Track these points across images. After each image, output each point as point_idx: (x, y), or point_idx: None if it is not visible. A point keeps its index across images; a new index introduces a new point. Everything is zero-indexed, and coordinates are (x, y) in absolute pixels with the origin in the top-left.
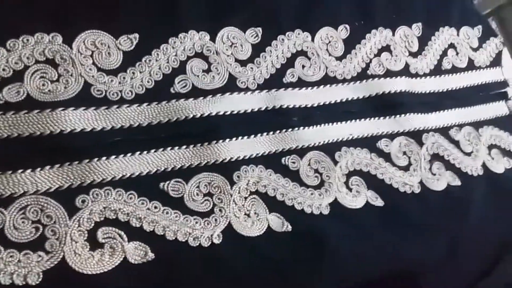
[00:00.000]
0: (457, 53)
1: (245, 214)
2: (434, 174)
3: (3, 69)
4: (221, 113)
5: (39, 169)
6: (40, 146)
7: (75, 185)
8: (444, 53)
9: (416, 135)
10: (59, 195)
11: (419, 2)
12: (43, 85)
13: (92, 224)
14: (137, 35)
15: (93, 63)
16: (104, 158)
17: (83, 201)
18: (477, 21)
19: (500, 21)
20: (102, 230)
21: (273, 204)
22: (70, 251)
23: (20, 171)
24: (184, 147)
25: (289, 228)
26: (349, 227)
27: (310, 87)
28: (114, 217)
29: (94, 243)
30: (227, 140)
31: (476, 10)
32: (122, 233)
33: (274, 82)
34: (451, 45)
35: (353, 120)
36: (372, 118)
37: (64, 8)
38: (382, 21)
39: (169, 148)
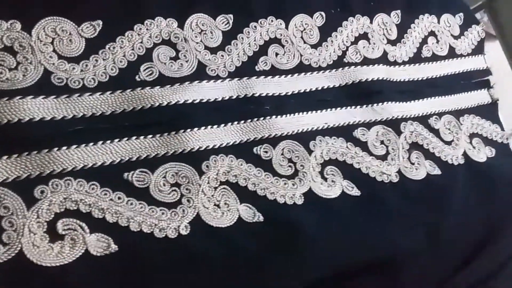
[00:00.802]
0: (437, 41)
1: (215, 204)
2: (413, 163)
3: None
4: (189, 101)
5: None
6: None
7: (33, 175)
8: (424, 41)
9: (394, 124)
10: (17, 185)
11: None
12: (1, 73)
13: (52, 216)
14: (100, 22)
15: (54, 51)
16: (64, 147)
17: (42, 192)
18: (458, 8)
19: (492, 13)
20: (63, 221)
21: (244, 194)
22: (28, 243)
23: None
24: (150, 136)
25: (261, 218)
26: (324, 217)
27: (283, 75)
28: (75, 208)
29: (53, 235)
30: (196, 129)
31: None
32: (84, 224)
33: (246, 70)
34: (432, 33)
35: (329, 109)
36: (348, 107)
37: None
38: (359, 8)
39: (134, 137)
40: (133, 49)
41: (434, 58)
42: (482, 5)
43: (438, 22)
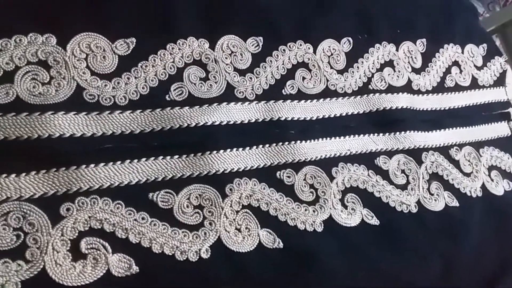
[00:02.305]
0: (460, 71)
1: (236, 228)
2: (432, 194)
3: None
4: (217, 123)
5: (23, 174)
6: (27, 150)
7: (60, 192)
8: (448, 71)
9: (416, 153)
10: (43, 202)
11: (424, 17)
12: (34, 87)
13: (76, 234)
14: (134, 40)
15: (87, 67)
16: (92, 165)
17: (67, 209)
18: (482, 39)
19: (504, 39)
20: (86, 240)
21: (266, 219)
22: (51, 261)
23: (4, 175)
24: (177, 156)
25: (281, 244)
26: (343, 246)
27: (309, 100)
28: (99, 227)
29: (76, 254)
30: (221, 151)
31: (481, 28)
32: (107, 244)
33: (273, 93)
34: (455, 63)
35: (352, 135)
36: (371, 134)
37: (60, 9)
38: (386, 35)
39: (160, 157)
40: (164, 68)
41: (457, 88)
42: (495, 30)
43: (462, 52)
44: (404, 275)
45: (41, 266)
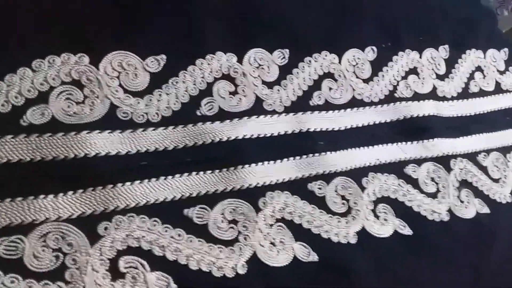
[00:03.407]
0: (484, 76)
1: (271, 243)
2: (463, 202)
3: (28, 90)
4: (248, 136)
5: (61, 194)
6: (63, 170)
7: (98, 211)
8: (471, 76)
9: (444, 161)
10: (81, 222)
11: (445, 24)
12: (68, 107)
13: (114, 253)
14: (164, 56)
15: (120, 85)
16: (128, 183)
17: (105, 228)
18: (503, 43)
19: None
20: (124, 259)
21: (299, 232)
22: (91, 281)
23: (42, 196)
24: (209, 171)
25: (316, 258)
26: (377, 258)
27: (337, 110)
28: (137, 245)
29: (115, 273)
30: (253, 164)
31: (501, 33)
32: (145, 262)
33: (301, 105)
34: (478, 68)
35: (380, 145)
36: (399, 143)
37: (91, 28)
38: (409, 43)
39: (194, 172)
40: (194, 84)
41: (481, 93)
42: (506, 33)
43: (484, 57)
44: (437, 285)
45: (81, 287)
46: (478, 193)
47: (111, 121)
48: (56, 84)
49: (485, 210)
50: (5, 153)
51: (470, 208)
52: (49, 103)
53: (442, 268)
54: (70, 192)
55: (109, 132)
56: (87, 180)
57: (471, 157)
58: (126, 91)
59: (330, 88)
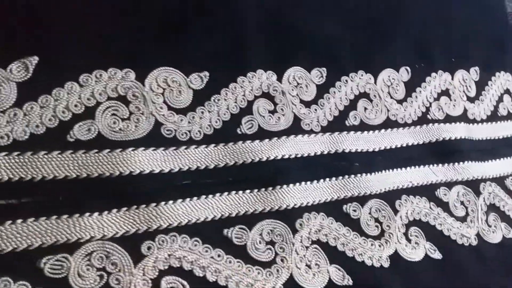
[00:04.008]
0: None
1: (306, 265)
2: (490, 226)
3: (75, 105)
4: (286, 156)
5: (106, 212)
6: (108, 187)
7: (141, 230)
8: (500, 99)
9: (474, 184)
10: (125, 241)
11: (476, 45)
12: (114, 123)
13: (157, 273)
14: (207, 73)
15: (164, 102)
16: (171, 202)
17: (149, 248)
18: None
19: None
20: (166, 279)
21: (334, 254)
22: None
23: (87, 214)
24: (249, 191)
25: (350, 281)
26: (408, 281)
27: (371, 131)
28: (178, 265)
29: None
30: (291, 185)
31: None
32: (185, 283)
33: (337, 125)
34: (507, 91)
35: (413, 167)
36: (431, 165)
37: (137, 44)
38: (441, 64)
39: (233, 192)
40: (236, 102)
41: (510, 116)
42: None
43: None
44: None
45: None
46: (505, 218)
47: (155, 138)
48: (103, 99)
49: (511, 234)
50: (52, 169)
51: (497, 233)
52: (95, 119)
53: None
54: (115, 210)
55: (153, 150)
56: (131, 198)
57: (499, 181)
58: (170, 108)
59: (366, 108)
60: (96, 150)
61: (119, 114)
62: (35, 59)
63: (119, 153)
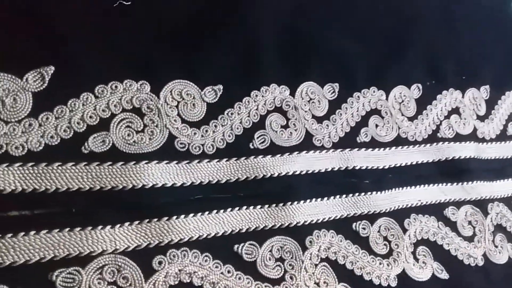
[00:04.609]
0: None
1: (315, 283)
2: (497, 246)
3: (90, 117)
4: (297, 172)
5: (118, 225)
6: (121, 200)
7: (153, 244)
8: (510, 118)
9: (482, 204)
10: (137, 255)
11: (487, 64)
12: (129, 135)
13: None
14: (221, 87)
15: (178, 114)
16: (182, 216)
17: (160, 263)
18: None
19: None
20: None
21: (343, 273)
22: None
23: (100, 227)
24: (259, 207)
25: None
26: None
27: (382, 148)
28: (188, 280)
29: None
30: (302, 202)
31: None
32: None
33: (348, 141)
34: None
35: (422, 185)
36: (440, 184)
37: (152, 56)
38: (452, 82)
39: (244, 207)
40: (249, 116)
41: None
42: None
43: None
44: None
45: None
46: (511, 238)
47: (169, 151)
48: (118, 111)
49: None
50: (66, 181)
51: (504, 253)
52: (110, 131)
53: None
54: (127, 223)
55: (166, 163)
56: (144, 212)
57: (507, 201)
58: (184, 121)
59: (377, 125)
60: (110, 163)
61: (134, 127)
62: (51, 69)
63: (132, 166)
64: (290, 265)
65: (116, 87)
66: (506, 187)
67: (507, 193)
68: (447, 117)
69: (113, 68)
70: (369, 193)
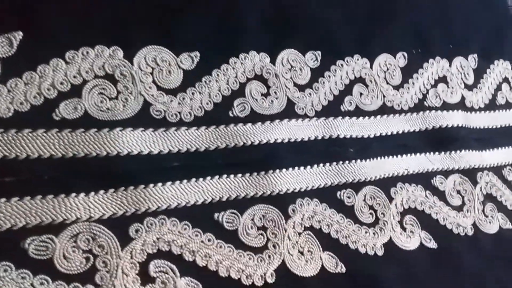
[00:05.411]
0: (510, 88)
1: (299, 251)
2: (487, 216)
3: (61, 83)
4: (279, 140)
5: (93, 193)
6: (95, 168)
7: (129, 212)
8: (499, 87)
9: (471, 174)
10: (113, 223)
11: (475, 32)
12: (102, 102)
13: (145, 256)
14: (198, 53)
15: (153, 81)
16: (160, 184)
17: (136, 231)
18: None
19: None
20: (155, 263)
21: (327, 241)
22: (120, 285)
23: (73, 195)
24: (240, 175)
25: (343, 269)
26: (403, 270)
27: (367, 117)
28: (167, 249)
29: (145, 277)
30: (284, 170)
31: None
32: (174, 267)
33: (332, 109)
34: (505, 79)
35: (409, 154)
36: (428, 153)
37: (126, 22)
38: (439, 50)
39: (224, 175)
40: (227, 84)
41: (508, 105)
42: None
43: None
44: None
45: None
46: (502, 208)
47: (144, 119)
48: (90, 77)
49: (508, 225)
50: (37, 148)
51: (494, 223)
52: (82, 97)
53: (469, 283)
54: (102, 191)
55: (142, 130)
56: (119, 180)
57: (497, 170)
58: (159, 88)
59: (361, 94)
60: (82, 129)
61: (107, 93)
62: (19, 34)
63: (106, 133)
64: (273, 233)
65: (87, 53)
66: (496, 156)
67: (496, 163)
68: (434, 85)
69: (84, 33)
70: (354, 161)
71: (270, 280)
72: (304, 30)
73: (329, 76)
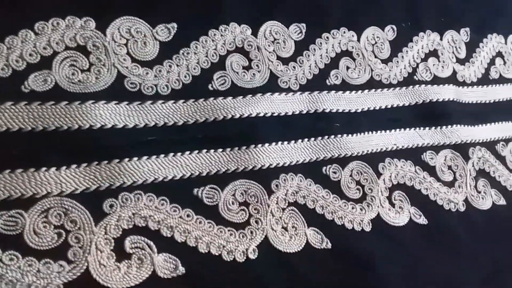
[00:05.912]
0: (504, 62)
1: (283, 227)
2: (480, 192)
3: (30, 54)
4: (261, 114)
5: (64, 167)
6: (67, 142)
7: (103, 187)
8: (492, 62)
9: (463, 149)
10: (85, 198)
11: (468, 6)
12: (73, 74)
13: (120, 232)
14: (175, 25)
15: (128, 53)
16: (135, 158)
17: (111, 206)
18: None
19: None
20: (130, 239)
21: (312, 217)
22: (94, 261)
23: (43, 169)
24: (221, 150)
25: (329, 245)
26: (392, 246)
27: (354, 91)
28: (143, 225)
29: (120, 254)
30: (266, 144)
31: None
32: (151, 243)
33: (317, 83)
34: (499, 54)
35: (398, 129)
36: (418, 128)
37: None
38: (430, 23)
39: (204, 150)
40: (206, 56)
41: (501, 80)
42: None
43: (505, 42)
44: (453, 277)
45: (84, 267)
46: (495, 184)
47: (119, 91)
48: (60, 49)
49: (502, 201)
50: (5, 121)
51: (487, 199)
52: (52, 69)
53: (460, 260)
54: (74, 166)
55: (116, 103)
56: (92, 154)
57: (490, 146)
58: (134, 60)
59: (348, 67)
60: (52, 102)
61: (78, 65)
62: None
63: (77, 106)
64: (255, 209)
65: (57, 23)
66: (488, 131)
67: (489, 138)
68: (425, 59)
69: (55, 3)
70: (340, 136)
71: (252, 256)
72: (288, 1)
73: (314, 49)
